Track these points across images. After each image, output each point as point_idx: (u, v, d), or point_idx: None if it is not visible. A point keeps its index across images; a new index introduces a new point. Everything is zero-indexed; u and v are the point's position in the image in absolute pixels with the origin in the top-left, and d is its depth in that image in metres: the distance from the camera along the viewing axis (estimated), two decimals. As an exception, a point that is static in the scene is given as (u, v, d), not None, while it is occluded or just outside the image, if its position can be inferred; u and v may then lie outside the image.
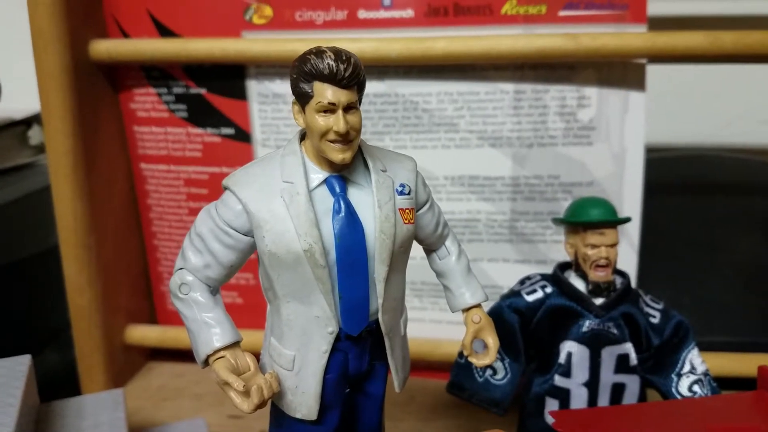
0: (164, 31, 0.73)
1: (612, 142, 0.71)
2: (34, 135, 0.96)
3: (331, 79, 0.37)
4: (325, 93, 0.37)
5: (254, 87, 0.73)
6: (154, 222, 0.82)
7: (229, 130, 0.75)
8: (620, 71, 0.69)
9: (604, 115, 0.70)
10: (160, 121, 0.77)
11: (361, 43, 0.67)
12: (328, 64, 0.36)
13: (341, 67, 0.37)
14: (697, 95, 1.05)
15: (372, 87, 0.72)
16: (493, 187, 0.74)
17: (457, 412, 0.72)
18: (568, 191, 0.72)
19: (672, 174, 0.94)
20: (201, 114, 0.75)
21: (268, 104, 0.74)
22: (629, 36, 0.65)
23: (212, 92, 0.74)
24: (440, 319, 0.78)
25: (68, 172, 0.70)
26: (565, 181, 0.73)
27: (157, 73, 0.75)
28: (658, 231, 0.81)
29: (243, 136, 0.75)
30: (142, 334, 0.81)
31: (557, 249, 0.74)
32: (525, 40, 0.65)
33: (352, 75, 0.37)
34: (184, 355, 0.81)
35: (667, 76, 0.94)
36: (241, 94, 0.74)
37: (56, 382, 0.78)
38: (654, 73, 0.74)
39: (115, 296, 0.78)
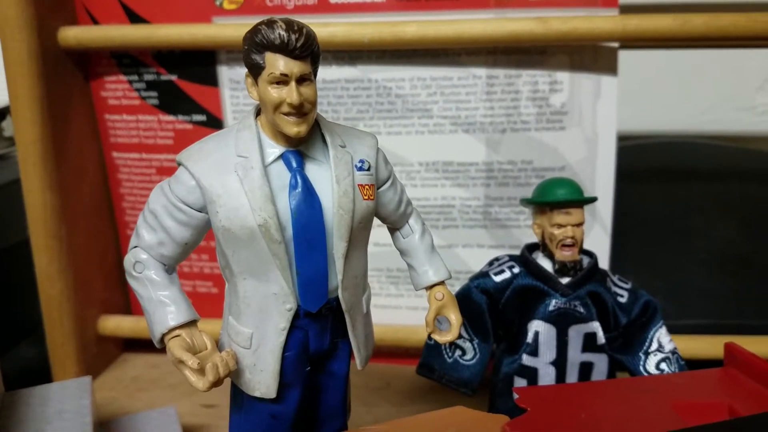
0: (134, 18, 0.72)
1: (584, 127, 0.71)
2: (8, 126, 0.95)
3: (283, 49, 0.36)
4: (277, 63, 0.37)
5: (225, 73, 0.73)
6: (128, 211, 0.81)
7: (201, 117, 0.75)
8: (592, 56, 0.70)
9: (576, 100, 0.71)
10: (132, 108, 0.76)
11: (332, 28, 0.66)
12: (279, 34, 0.36)
13: (293, 37, 0.36)
14: (674, 83, 1.05)
15: (345, 72, 0.72)
16: (467, 173, 0.74)
17: (432, 397, 0.72)
18: (541, 176, 0.72)
19: (648, 161, 0.95)
20: (172, 101, 0.75)
21: (240, 90, 0.73)
22: (600, 19, 0.65)
23: (183, 79, 0.74)
24: (416, 305, 0.78)
25: (37, 161, 0.69)
26: (538, 167, 0.73)
27: (127, 60, 0.74)
28: (633, 217, 0.82)
29: (215, 122, 0.75)
30: (116, 324, 0.80)
31: (531, 234, 0.73)
32: (496, 24, 0.65)
33: (304, 45, 0.37)
34: (157, 346, 0.80)
35: (643, 64, 0.94)
36: (212, 81, 0.73)
37: (32, 375, 0.77)
38: (630, 61, 0.74)
39: (88, 287, 0.78)
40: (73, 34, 0.70)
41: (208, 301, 0.82)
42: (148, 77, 0.74)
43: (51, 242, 0.71)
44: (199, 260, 0.82)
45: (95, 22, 0.73)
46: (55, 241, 0.72)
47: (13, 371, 0.80)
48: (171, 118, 0.76)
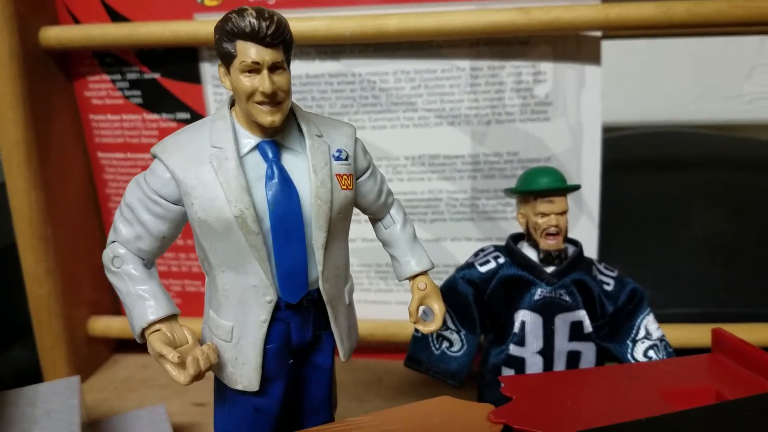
0: (116, 16, 0.72)
1: (569, 117, 0.71)
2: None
3: (254, 36, 0.36)
4: (248, 51, 0.37)
5: (208, 70, 0.73)
6: (113, 212, 0.80)
7: (185, 115, 0.75)
8: (575, 45, 0.70)
9: (560, 91, 0.70)
10: (115, 108, 0.76)
11: (313, 22, 0.66)
12: (250, 21, 0.36)
13: (263, 24, 0.36)
14: (662, 72, 1.05)
15: (328, 66, 0.72)
16: (453, 165, 0.74)
17: (423, 391, 0.72)
18: (527, 167, 0.72)
19: (636, 151, 0.95)
20: (156, 99, 0.75)
21: (223, 86, 0.73)
22: (581, 8, 0.65)
23: (166, 77, 0.74)
24: (406, 300, 0.77)
25: (21, 161, 0.69)
26: (523, 158, 0.73)
27: (110, 59, 0.74)
28: (621, 207, 0.82)
29: (198, 119, 0.74)
30: (106, 325, 0.80)
31: (518, 226, 0.74)
32: (477, 15, 0.65)
33: (275, 33, 0.36)
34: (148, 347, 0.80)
35: (630, 54, 0.94)
36: (195, 78, 0.73)
37: (25, 377, 0.76)
38: (617, 51, 0.74)
39: (77, 287, 0.77)
40: (54, 34, 0.70)
41: (197, 301, 0.81)
42: (131, 76, 0.74)
43: (37, 243, 0.71)
44: (188, 260, 0.81)
45: (76, 21, 0.72)
46: (42, 242, 0.71)
47: (5, 373, 0.80)
48: (155, 116, 0.75)
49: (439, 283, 0.54)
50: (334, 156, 0.41)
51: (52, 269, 0.73)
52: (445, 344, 0.56)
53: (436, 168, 0.74)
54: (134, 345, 0.83)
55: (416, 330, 0.57)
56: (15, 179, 0.70)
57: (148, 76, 0.74)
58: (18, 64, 0.67)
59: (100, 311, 0.81)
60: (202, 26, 0.68)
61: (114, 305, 0.85)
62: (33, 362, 0.79)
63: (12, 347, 0.84)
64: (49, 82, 0.72)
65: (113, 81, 0.75)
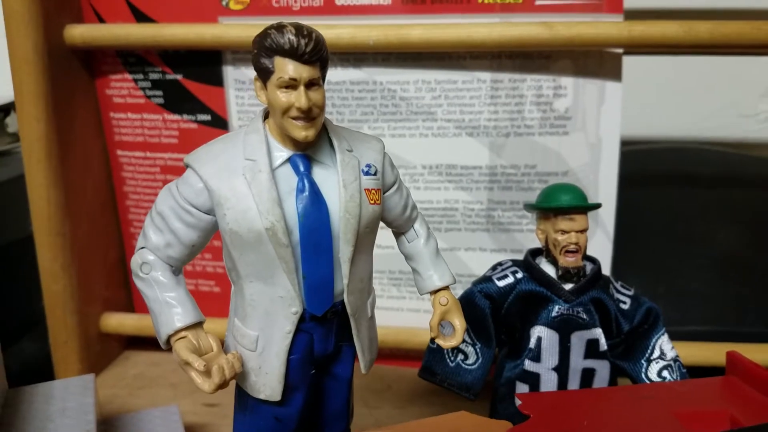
0: (141, 17, 0.72)
1: (588, 132, 0.71)
2: (12, 122, 0.95)
3: (292, 54, 0.37)
4: (286, 68, 0.37)
5: (231, 73, 0.73)
6: (131, 209, 0.81)
7: (206, 117, 0.75)
8: (596, 61, 0.70)
9: (580, 105, 0.71)
10: (137, 107, 0.76)
11: (338, 30, 0.66)
12: (289, 38, 0.36)
13: (302, 42, 0.36)
14: (678, 89, 1.06)
15: (350, 74, 0.72)
16: (470, 176, 0.74)
17: (433, 400, 0.72)
18: (544, 181, 0.73)
19: (651, 166, 0.95)
20: (177, 100, 0.75)
21: (245, 90, 0.73)
22: (605, 25, 0.65)
23: (189, 78, 0.74)
24: (418, 308, 0.79)
25: (42, 158, 0.69)
26: (541, 171, 0.73)
27: (133, 59, 0.75)
28: (635, 222, 0.82)
29: (219, 122, 0.75)
30: (119, 321, 0.80)
31: (533, 238, 0.74)
32: (501, 29, 0.65)
33: (313, 50, 0.37)
34: (160, 344, 0.80)
35: (647, 70, 0.94)
36: (217, 81, 0.73)
37: (34, 372, 0.77)
38: (635, 66, 0.74)
39: (91, 284, 0.78)
40: (79, 33, 0.70)
41: (210, 300, 0.82)
42: (154, 76, 0.75)
43: (54, 239, 0.72)
44: (202, 259, 0.82)
45: (101, 20, 0.73)
46: (59, 238, 0.72)
47: (15, 367, 0.81)
48: (176, 117, 0.76)
49: (455, 293, 0.54)
50: (363, 171, 0.41)
51: (68, 265, 0.73)
52: (460, 357, 0.56)
53: (453, 178, 0.74)
54: (146, 342, 0.84)
55: (432, 341, 0.58)
56: (34, 175, 0.70)
57: (171, 77, 0.74)
58: (42, 61, 0.67)
59: (113, 308, 0.82)
60: (227, 30, 0.68)
61: (127, 302, 0.85)
62: (42, 356, 0.80)
63: (21, 340, 0.85)
64: (71, 79, 0.73)
65: (135, 80, 0.75)
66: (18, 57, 0.67)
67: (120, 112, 0.77)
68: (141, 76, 0.75)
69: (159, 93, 0.75)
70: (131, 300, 0.86)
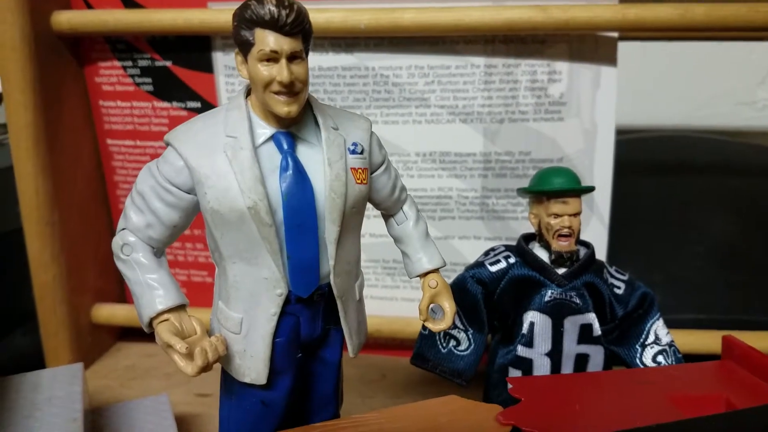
0: (128, 2, 0.71)
1: (583, 118, 0.70)
2: (0, 113, 0.94)
3: (273, 25, 0.36)
4: (267, 40, 0.36)
5: (220, 59, 0.72)
6: (122, 199, 0.81)
7: (195, 104, 0.74)
8: (591, 46, 0.69)
9: (575, 91, 0.70)
10: (126, 95, 0.75)
11: (329, 13, 0.65)
12: (269, 9, 0.35)
13: (283, 12, 0.35)
14: (675, 77, 1.05)
15: (341, 59, 0.71)
16: (464, 163, 0.73)
17: (427, 389, 0.72)
18: (538, 167, 0.72)
19: (647, 154, 0.94)
20: (167, 87, 0.74)
21: (235, 76, 0.72)
22: (599, 8, 0.64)
23: (178, 65, 0.73)
24: (412, 297, 0.78)
25: (30, 146, 0.69)
26: (535, 158, 0.72)
27: (122, 45, 0.74)
28: (631, 210, 0.81)
29: (209, 109, 0.73)
30: (110, 312, 0.79)
31: (527, 225, 0.72)
32: (494, 12, 0.65)
33: (295, 21, 0.36)
34: (153, 336, 0.80)
35: (644, 57, 0.94)
36: (207, 67, 0.72)
37: (25, 364, 0.76)
38: (631, 54, 0.73)
39: (82, 274, 0.77)
40: (66, 18, 0.69)
41: (202, 291, 0.81)
42: (143, 63, 0.74)
43: (44, 228, 0.71)
44: (194, 249, 0.81)
45: (89, 6, 0.72)
46: (48, 228, 0.71)
47: (6, 359, 0.80)
48: (165, 104, 0.75)
49: (447, 281, 0.54)
50: (349, 149, 0.40)
51: (57, 255, 0.72)
52: (453, 343, 0.56)
53: (447, 165, 0.73)
54: (138, 333, 0.82)
55: (423, 327, 0.57)
56: (23, 163, 0.69)
57: (160, 63, 0.73)
58: (29, 47, 0.67)
59: (104, 298, 0.81)
60: (216, 15, 0.67)
61: (119, 293, 0.85)
62: (34, 348, 0.79)
63: (13, 333, 0.84)
64: (59, 66, 0.72)
65: (124, 67, 0.74)
66: (4, 44, 0.66)
67: (109, 100, 0.76)
68: (130, 63, 0.74)
69: (148, 80, 0.74)
70: (123, 291, 0.85)
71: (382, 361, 0.78)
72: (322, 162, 0.39)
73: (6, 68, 0.67)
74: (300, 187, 0.38)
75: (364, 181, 0.41)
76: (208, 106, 0.74)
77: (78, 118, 0.76)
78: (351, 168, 0.40)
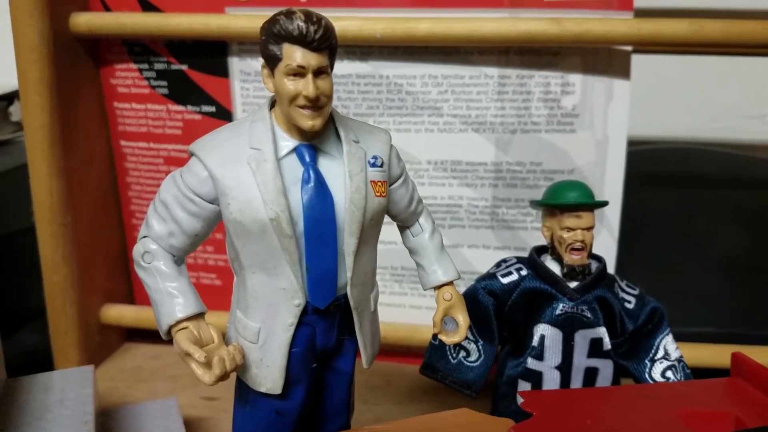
0: (147, 6, 0.72)
1: (595, 130, 0.71)
2: (15, 111, 0.95)
3: (301, 40, 0.36)
4: (294, 55, 0.36)
5: (236, 64, 0.72)
6: (134, 201, 0.81)
7: (210, 108, 0.74)
8: (605, 59, 0.69)
9: (588, 103, 0.70)
10: (141, 97, 0.76)
11: (344, 22, 0.66)
12: (298, 25, 0.36)
13: (311, 28, 0.36)
14: (684, 90, 1.05)
15: (356, 67, 0.71)
16: (475, 172, 0.73)
17: (433, 397, 0.72)
18: (549, 179, 0.72)
19: (656, 166, 0.94)
20: (182, 91, 0.74)
21: (250, 82, 0.73)
22: (614, 22, 0.65)
23: (194, 69, 0.73)
24: (420, 304, 0.78)
25: (45, 147, 0.69)
26: (546, 169, 0.72)
27: (138, 48, 0.74)
28: (640, 222, 0.81)
29: (224, 114, 0.74)
30: (119, 313, 0.80)
31: (537, 236, 0.74)
32: (509, 24, 0.65)
33: (322, 37, 0.36)
34: (161, 337, 0.80)
35: (655, 70, 0.94)
36: (222, 72, 0.73)
37: (34, 363, 0.76)
38: (642, 66, 0.73)
39: (92, 275, 0.77)
40: (84, 21, 0.70)
41: (211, 293, 0.81)
42: (159, 66, 0.74)
43: (56, 229, 0.71)
44: (204, 252, 0.81)
45: (107, 8, 0.72)
46: (60, 228, 0.71)
47: (14, 358, 0.80)
48: (180, 108, 0.75)
49: (458, 290, 0.54)
50: (369, 162, 0.41)
51: (69, 256, 0.73)
52: (462, 354, 0.56)
53: (458, 174, 0.74)
54: (146, 334, 0.84)
55: (434, 338, 0.57)
56: (37, 164, 0.70)
57: (176, 67, 0.74)
58: (47, 48, 0.67)
59: (113, 299, 0.81)
60: (233, 20, 0.68)
61: (127, 294, 0.85)
62: (42, 347, 0.80)
63: (21, 331, 0.84)
64: (76, 68, 0.72)
65: (140, 70, 0.75)
66: (23, 45, 0.66)
67: (124, 102, 0.77)
68: (146, 66, 0.74)
69: (164, 83, 0.75)
70: (131, 292, 0.85)
71: (387, 368, 0.78)
72: (343, 175, 0.40)
73: (24, 69, 0.67)
74: (321, 199, 0.39)
75: (384, 194, 0.41)
76: (222, 110, 0.74)
77: (93, 119, 0.76)
78: (371, 181, 0.41)
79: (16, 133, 0.94)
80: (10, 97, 0.93)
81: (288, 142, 0.39)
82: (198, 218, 0.40)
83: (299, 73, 0.37)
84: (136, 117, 0.77)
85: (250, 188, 0.38)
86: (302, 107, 0.37)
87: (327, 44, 0.37)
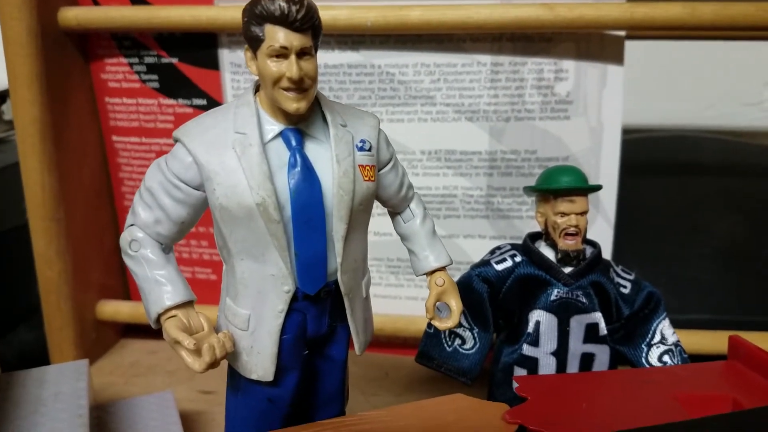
0: (135, -1, 0.71)
1: (589, 117, 0.70)
2: (8, 110, 0.94)
3: (283, 21, 0.36)
4: (277, 36, 0.36)
5: (226, 56, 0.72)
6: (127, 196, 0.81)
7: (201, 101, 0.74)
8: (598, 44, 0.69)
9: (581, 89, 0.70)
10: (132, 91, 0.75)
11: (335, 11, 0.65)
12: (279, 5, 0.35)
13: (293, 8, 0.35)
14: (681, 76, 1.04)
15: (347, 57, 0.71)
16: (469, 162, 0.73)
17: (430, 387, 0.72)
18: (544, 166, 0.71)
19: (653, 154, 0.94)
20: (173, 84, 0.74)
21: (241, 74, 0.72)
22: (607, 6, 0.64)
23: (184, 62, 0.73)
24: (416, 295, 0.78)
25: (36, 141, 0.69)
26: (541, 156, 0.72)
27: (128, 42, 0.74)
28: (637, 210, 0.81)
29: (215, 106, 0.73)
30: (114, 309, 0.79)
31: (533, 225, 0.72)
32: (501, 10, 0.64)
33: (305, 17, 0.36)
34: (157, 332, 0.79)
35: (650, 57, 0.93)
36: (213, 64, 0.72)
37: (29, 359, 0.76)
38: (637, 53, 0.73)
39: (87, 271, 0.77)
40: (73, 15, 0.69)
41: (207, 288, 0.81)
42: (149, 60, 0.74)
43: (49, 224, 0.71)
44: (199, 246, 0.81)
45: (96, 2, 0.72)
46: (54, 224, 0.71)
47: (10, 355, 0.80)
48: (171, 101, 0.75)
49: (453, 279, 0.54)
50: (357, 146, 0.40)
51: (62, 251, 0.72)
52: (458, 341, 0.55)
53: (453, 163, 0.73)
54: (142, 330, 0.83)
55: (429, 326, 0.57)
56: (29, 159, 0.69)
57: (166, 60, 0.73)
58: (36, 43, 0.66)
59: (109, 295, 0.81)
60: (223, 12, 0.67)
61: (123, 289, 0.85)
62: (38, 344, 0.79)
63: (17, 328, 0.84)
64: (66, 63, 0.72)
65: (131, 64, 0.74)
66: (12, 40, 0.66)
67: (115, 96, 0.76)
68: (136, 60, 0.74)
69: (154, 77, 0.74)
70: (127, 287, 0.85)
71: (384, 360, 0.78)
72: (330, 159, 0.39)
73: (13, 64, 0.67)
74: (308, 184, 0.38)
75: (372, 179, 0.41)
76: (214, 103, 0.74)
77: (84, 114, 0.76)
78: (359, 165, 0.40)
79: (8, 132, 0.93)
80: (3, 96, 0.92)
81: (273, 126, 0.39)
82: (184, 205, 0.39)
83: (282, 54, 0.36)
84: (127, 112, 0.76)
85: (236, 173, 0.37)
86: (286, 89, 0.37)
87: (310, 24, 0.36)
